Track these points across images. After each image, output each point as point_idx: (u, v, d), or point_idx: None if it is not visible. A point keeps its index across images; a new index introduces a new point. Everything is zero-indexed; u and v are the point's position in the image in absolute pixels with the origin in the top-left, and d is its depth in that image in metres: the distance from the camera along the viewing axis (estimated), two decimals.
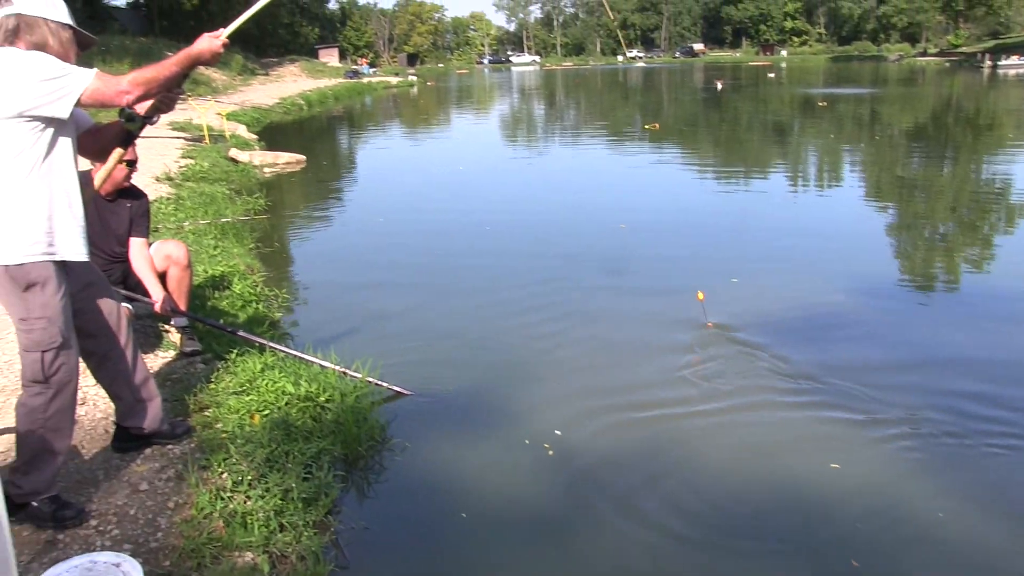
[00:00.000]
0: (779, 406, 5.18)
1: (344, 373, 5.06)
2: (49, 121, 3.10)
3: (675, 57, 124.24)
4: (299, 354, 5.25)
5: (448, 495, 4.19)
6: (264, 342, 5.35)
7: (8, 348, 5.40)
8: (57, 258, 3.20)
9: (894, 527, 3.85)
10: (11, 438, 4.04)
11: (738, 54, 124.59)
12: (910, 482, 4.28)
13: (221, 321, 5.79)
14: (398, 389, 5.25)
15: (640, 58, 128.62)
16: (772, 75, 59.55)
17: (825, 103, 32.50)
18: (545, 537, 3.84)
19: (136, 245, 5.21)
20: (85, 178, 3.44)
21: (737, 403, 5.23)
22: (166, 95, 3.40)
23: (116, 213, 5.20)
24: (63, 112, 3.07)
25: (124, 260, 5.29)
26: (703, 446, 4.66)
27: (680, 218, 10.88)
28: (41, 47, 3.12)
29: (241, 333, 5.42)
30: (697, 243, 9.33)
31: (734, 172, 15.69)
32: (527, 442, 4.61)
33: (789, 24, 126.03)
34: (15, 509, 3.28)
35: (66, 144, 3.24)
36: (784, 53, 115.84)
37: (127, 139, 3.62)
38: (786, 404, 5.21)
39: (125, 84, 3.13)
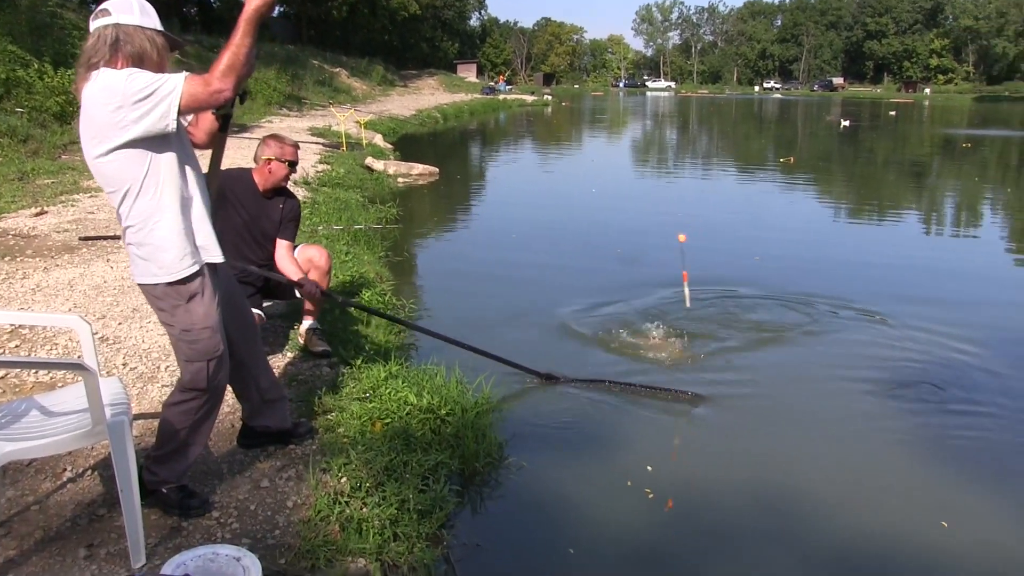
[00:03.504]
0: (899, 452, 5.07)
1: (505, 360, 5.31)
2: (161, 136, 3.06)
3: (813, 90, 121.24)
4: (449, 337, 5.48)
5: (558, 524, 4.15)
6: (413, 325, 5.64)
7: (147, 336, 5.62)
8: (205, 261, 3.28)
9: None
10: (148, 423, 4.21)
11: (879, 90, 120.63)
12: None
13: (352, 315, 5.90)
14: (537, 371, 5.45)
15: (777, 89, 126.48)
16: (893, 113, 57.25)
17: (969, 145, 31.21)
18: None
19: (282, 247, 5.37)
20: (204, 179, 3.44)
21: (849, 443, 5.17)
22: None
23: (269, 210, 5.39)
24: (168, 127, 3.00)
25: (269, 258, 5.46)
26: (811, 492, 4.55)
27: (814, 255, 10.60)
28: (140, 57, 3.06)
29: (401, 319, 5.72)
30: (830, 278, 9.06)
31: (869, 211, 15.18)
32: (629, 484, 4.51)
33: (935, 61, 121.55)
34: (146, 494, 3.39)
35: (184, 150, 3.24)
36: (928, 91, 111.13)
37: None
38: (907, 448, 5.11)
39: (216, 82, 2.97)
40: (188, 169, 3.24)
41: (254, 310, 5.23)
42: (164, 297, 3.22)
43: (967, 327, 7.27)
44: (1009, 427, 5.39)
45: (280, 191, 5.44)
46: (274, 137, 5.42)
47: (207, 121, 3.46)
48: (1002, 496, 4.57)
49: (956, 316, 7.66)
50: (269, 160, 5.26)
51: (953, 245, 12.33)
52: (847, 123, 41.95)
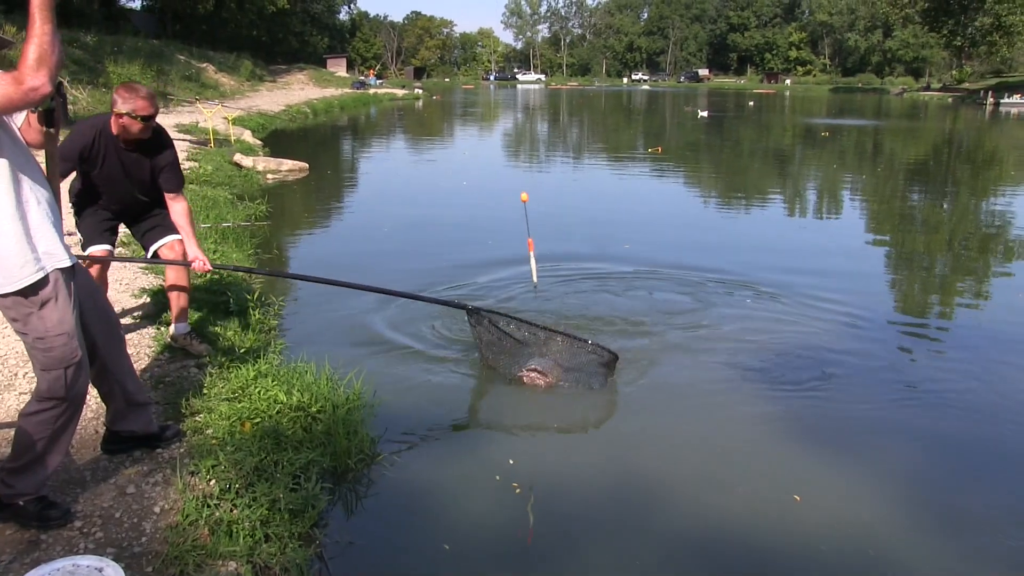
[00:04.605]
0: (762, 429, 5.24)
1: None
2: None
3: (680, 81, 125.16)
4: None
5: (432, 518, 4.15)
6: (305, 276, 5.65)
7: (2, 343, 5.38)
8: (53, 266, 3.14)
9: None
10: (4, 434, 4.03)
11: (743, 81, 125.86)
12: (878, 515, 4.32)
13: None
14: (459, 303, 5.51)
15: (645, 81, 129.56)
16: (752, 103, 59.78)
17: (828, 133, 32.64)
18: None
19: (169, 200, 5.10)
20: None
21: (701, 421, 5.36)
22: None
23: (138, 164, 5.04)
24: None
25: (146, 209, 5.30)
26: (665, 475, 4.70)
27: (685, 240, 10.89)
28: None
29: (292, 273, 5.58)
30: (700, 261, 9.30)
31: (735, 199, 15.73)
32: (497, 478, 4.51)
33: (794, 54, 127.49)
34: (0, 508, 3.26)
35: (17, 152, 3.08)
36: (788, 82, 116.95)
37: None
38: (771, 425, 5.29)
39: (28, 79, 2.74)
40: (22, 174, 3.07)
41: (103, 246, 5.09)
42: (14, 307, 3.09)
43: (836, 304, 7.70)
44: (866, 400, 5.68)
45: (145, 144, 5.00)
46: (126, 87, 4.87)
47: (35, 120, 3.23)
48: (851, 468, 4.81)
49: (825, 293, 8.06)
50: (120, 115, 4.80)
51: (818, 227, 13.00)
52: (705, 114, 43.29)
